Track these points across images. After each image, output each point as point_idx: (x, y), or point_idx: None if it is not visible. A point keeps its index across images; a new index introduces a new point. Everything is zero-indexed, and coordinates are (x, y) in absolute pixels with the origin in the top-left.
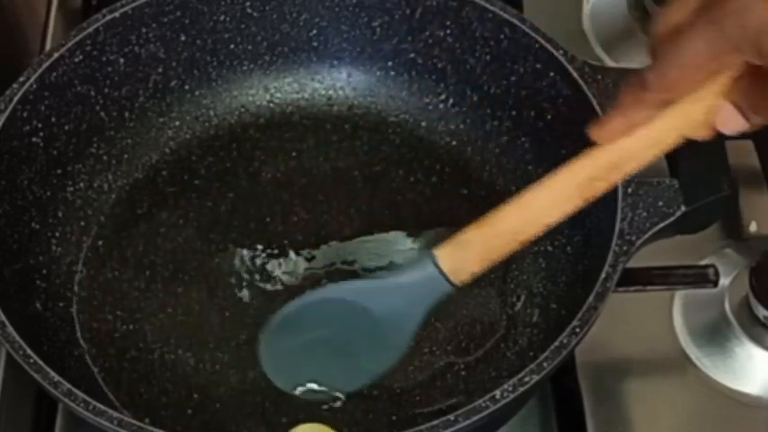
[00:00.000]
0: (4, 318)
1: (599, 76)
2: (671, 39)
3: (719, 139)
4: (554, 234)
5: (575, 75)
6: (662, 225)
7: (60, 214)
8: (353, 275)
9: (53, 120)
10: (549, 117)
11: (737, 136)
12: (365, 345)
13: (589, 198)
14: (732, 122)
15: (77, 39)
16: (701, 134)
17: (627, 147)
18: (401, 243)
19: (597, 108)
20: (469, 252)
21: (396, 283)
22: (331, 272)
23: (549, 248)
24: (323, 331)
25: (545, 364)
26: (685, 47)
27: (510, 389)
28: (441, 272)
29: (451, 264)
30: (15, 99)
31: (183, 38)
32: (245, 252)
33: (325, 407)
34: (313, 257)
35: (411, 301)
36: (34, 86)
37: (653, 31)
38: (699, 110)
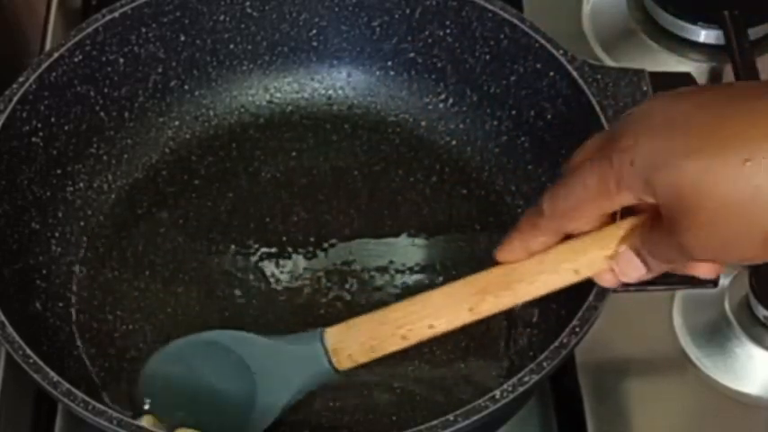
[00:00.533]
0: (3, 318)
1: (599, 76)
2: (572, 171)
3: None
4: None
5: (575, 75)
6: None
7: (60, 214)
8: (353, 275)
9: (53, 120)
10: (549, 117)
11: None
12: (237, 404)
13: (480, 312)
14: (632, 268)
15: (77, 39)
16: (605, 280)
17: (520, 269)
18: (401, 243)
19: (597, 108)
20: (356, 336)
21: (278, 347)
22: (330, 272)
23: None
24: (204, 376)
25: (545, 364)
26: (578, 179)
27: (510, 389)
28: (324, 349)
29: (337, 343)
30: (15, 99)
31: (182, 38)
32: (244, 252)
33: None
34: (313, 257)
35: (288, 370)
36: (34, 86)
37: (567, 164)
38: (599, 252)
